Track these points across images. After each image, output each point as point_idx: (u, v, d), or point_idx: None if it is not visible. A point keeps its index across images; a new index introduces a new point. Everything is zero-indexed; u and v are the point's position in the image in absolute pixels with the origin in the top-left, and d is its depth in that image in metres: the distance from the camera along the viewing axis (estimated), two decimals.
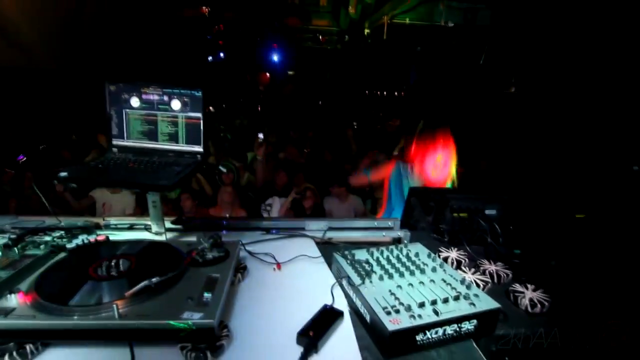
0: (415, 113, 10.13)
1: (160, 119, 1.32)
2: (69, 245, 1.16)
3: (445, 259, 1.47)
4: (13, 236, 1.33)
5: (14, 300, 0.87)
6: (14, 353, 0.84)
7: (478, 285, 1.28)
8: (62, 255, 1.09)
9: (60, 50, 5.19)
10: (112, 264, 1.02)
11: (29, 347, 0.85)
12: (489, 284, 1.32)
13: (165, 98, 1.31)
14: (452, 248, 1.55)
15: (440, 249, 1.54)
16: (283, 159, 5.28)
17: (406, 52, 8.58)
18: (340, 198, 4.13)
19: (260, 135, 4.26)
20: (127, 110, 1.32)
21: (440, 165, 2.48)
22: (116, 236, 1.42)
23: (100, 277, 0.97)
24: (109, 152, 1.35)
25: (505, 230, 1.69)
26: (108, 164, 1.24)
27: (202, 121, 1.31)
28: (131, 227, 1.59)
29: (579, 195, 1.79)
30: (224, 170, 4.11)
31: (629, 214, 1.67)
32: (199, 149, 1.33)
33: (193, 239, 1.22)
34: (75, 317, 0.84)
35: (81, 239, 1.20)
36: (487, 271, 1.39)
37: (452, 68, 8.04)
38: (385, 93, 12.35)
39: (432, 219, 1.80)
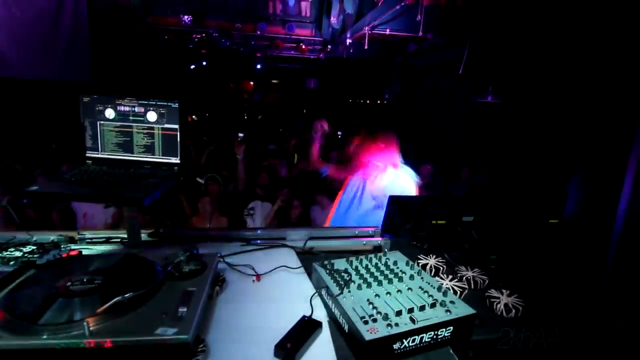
0: (396, 122, 10.33)
1: (136, 130, 1.31)
2: (39, 261, 1.12)
3: (424, 267, 1.49)
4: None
5: None
6: None
7: (455, 292, 1.30)
8: (32, 271, 1.05)
9: (37, 61, 5.10)
10: (84, 279, 1.00)
11: None
12: (466, 290, 1.35)
13: (141, 109, 1.29)
14: (431, 255, 1.57)
15: (419, 256, 1.57)
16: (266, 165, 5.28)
17: (387, 62, 8.76)
18: (322, 206, 4.13)
19: (241, 134, 4.21)
20: (102, 122, 1.30)
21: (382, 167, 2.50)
22: (91, 250, 1.39)
23: (71, 294, 0.95)
24: (84, 164, 1.32)
25: (482, 236, 1.73)
26: (82, 177, 1.21)
27: (178, 132, 1.30)
28: (107, 241, 1.55)
29: (554, 200, 1.85)
30: (209, 182, 4.05)
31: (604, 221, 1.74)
32: (175, 160, 1.32)
33: (170, 251, 1.20)
34: (44, 337, 0.82)
35: (52, 254, 1.17)
36: (464, 277, 1.42)
37: (433, 77, 8.26)
38: (368, 102, 12.54)
39: (412, 227, 1.83)
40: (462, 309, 1.08)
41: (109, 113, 1.30)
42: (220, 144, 6.69)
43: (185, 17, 7.85)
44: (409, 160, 2.67)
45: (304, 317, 1.09)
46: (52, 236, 1.51)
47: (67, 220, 3.29)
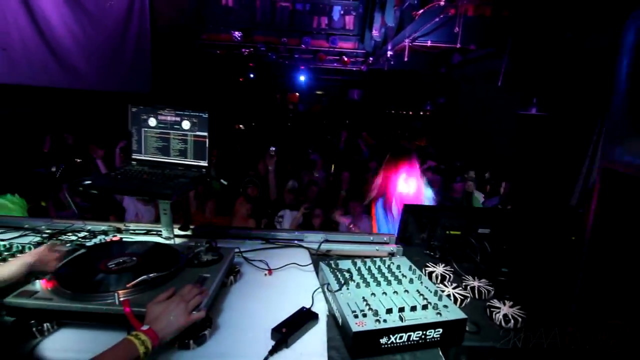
0: (441, 133, 10.11)
1: (173, 136, 1.51)
2: (88, 244, 1.35)
3: (430, 274, 1.53)
4: (46, 235, 1.56)
5: (38, 285, 1.04)
6: (34, 330, 1.01)
7: (456, 299, 1.34)
8: (82, 251, 1.27)
9: (106, 75, 5.78)
10: (121, 260, 1.19)
11: (46, 326, 1.02)
12: (468, 299, 1.37)
13: (177, 119, 1.50)
14: (440, 264, 1.61)
15: (427, 264, 1.61)
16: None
17: (430, 74, 8.66)
18: (354, 215, 4.20)
19: (273, 148, 4.43)
20: (145, 128, 1.53)
21: (409, 191, 2.47)
22: (132, 239, 1.61)
23: (109, 270, 1.14)
24: (129, 164, 1.55)
25: (497, 249, 1.72)
26: (126, 175, 1.43)
27: (207, 139, 1.49)
28: (147, 232, 1.78)
29: (577, 216, 1.79)
30: (248, 185, 4.31)
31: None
32: (204, 163, 1.51)
33: (195, 243, 1.37)
34: (84, 302, 1.01)
35: (99, 239, 1.39)
36: (468, 287, 1.44)
37: (477, 88, 8.02)
38: (410, 113, 12.40)
39: (426, 236, 1.86)
40: (454, 314, 1.13)
41: (152, 121, 1.52)
42: (251, 152, 6.99)
43: (236, 33, 8.40)
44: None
45: (302, 308, 1.19)
46: (103, 226, 1.77)
47: (120, 216, 3.68)
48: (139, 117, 1.52)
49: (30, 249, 1.35)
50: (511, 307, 1.29)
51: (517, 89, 5.25)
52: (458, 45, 4.66)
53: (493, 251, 1.68)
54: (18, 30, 4.72)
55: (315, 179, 5.15)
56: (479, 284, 1.45)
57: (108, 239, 1.40)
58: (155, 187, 1.33)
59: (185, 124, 1.50)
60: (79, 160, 4.94)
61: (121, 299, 1.01)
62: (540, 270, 1.58)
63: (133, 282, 1.05)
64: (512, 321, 1.24)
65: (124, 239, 1.44)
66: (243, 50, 8.84)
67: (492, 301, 1.33)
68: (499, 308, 1.29)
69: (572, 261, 1.65)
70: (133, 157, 1.55)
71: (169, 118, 1.51)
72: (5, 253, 1.32)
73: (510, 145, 6.33)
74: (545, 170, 4.55)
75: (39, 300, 1.00)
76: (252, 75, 10.96)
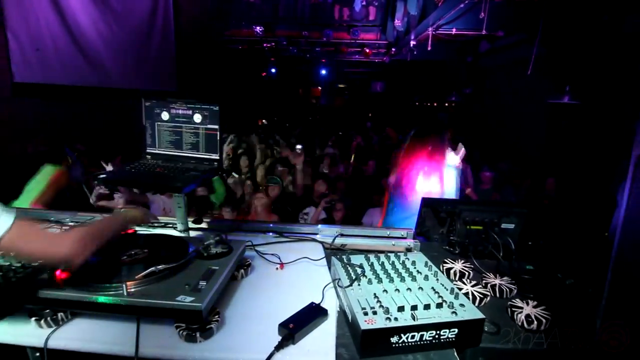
0: (467, 123, 9.77)
1: (185, 130, 1.52)
2: None
3: (448, 270, 1.46)
4: (66, 227, 1.61)
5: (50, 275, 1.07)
6: (49, 318, 1.04)
7: (474, 298, 1.27)
8: None
9: (132, 73, 5.95)
10: (133, 252, 1.21)
11: (60, 315, 1.05)
12: (488, 297, 1.30)
13: (189, 112, 1.50)
14: (459, 260, 1.53)
15: (445, 260, 1.54)
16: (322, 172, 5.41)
17: (456, 63, 8.37)
18: (378, 209, 4.12)
19: (299, 146, 4.43)
20: (158, 122, 1.54)
21: (428, 181, 2.34)
22: (149, 231, 1.64)
23: (120, 262, 1.16)
24: (143, 158, 1.57)
25: (522, 245, 1.63)
26: (140, 168, 1.45)
27: (218, 132, 1.48)
28: (164, 225, 1.81)
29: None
30: (270, 183, 4.31)
31: None
32: (215, 156, 1.50)
33: (206, 236, 1.37)
34: (94, 293, 1.02)
35: None
36: (489, 285, 1.36)
37: (506, 77, 7.68)
38: (435, 104, 12.07)
39: (445, 231, 1.79)
40: (470, 313, 1.06)
41: (165, 115, 1.53)
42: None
43: (258, 28, 8.43)
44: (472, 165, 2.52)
45: (312, 303, 1.16)
46: None
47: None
48: (153, 111, 1.54)
49: None
50: (535, 307, 1.21)
51: (549, 76, 4.96)
52: (484, 32, 4.44)
53: (517, 247, 1.59)
54: (50, 31, 4.93)
55: (339, 174, 5.10)
56: (501, 282, 1.37)
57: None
58: (167, 180, 1.34)
59: (197, 117, 1.50)
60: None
61: (130, 290, 1.02)
62: (568, 269, 1.48)
63: (142, 274, 1.06)
64: (536, 322, 1.16)
65: (138, 232, 1.45)
66: (265, 45, 8.87)
67: (514, 300, 1.25)
68: (522, 308, 1.21)
69: (603, 259, 1.54)
70: (147, 150, 1.57)
71: (180, 111, 1.52)
72: None
73: (540, 136, 6.02)
74: (580, 161, 4.29)
75: (54, 290, 1.02)
76: (273, 70, 10.99)
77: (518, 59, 6.83)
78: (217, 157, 1.49)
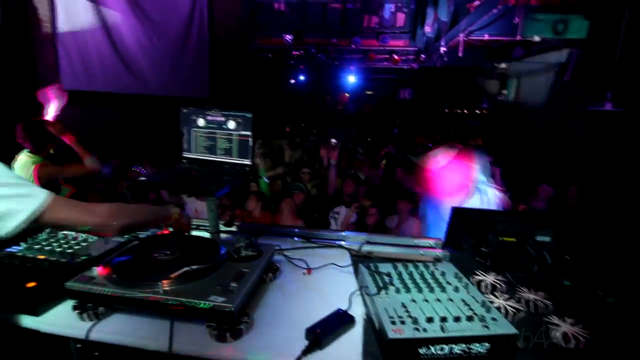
0: (498, 131, 9.46)
1: (219, 136, 1.58)
2: (141, 235, 1.45)
3: (480, 283, 1.42)
4: None
5: (95, 271, 1.14)
6: (91, 312, 1.10)
7: (507, 312, 1.22)
8: (135, 242, 1.37)
9: (168, 81, 6.24)
10: (167, 252, 1.26)
11: (100, 310, 1.11)
12: (522, 313, 1.25)
13: (223, 119, 1.56)
14: (491, 273, 1.49)
15: (476, 272, 1.50)
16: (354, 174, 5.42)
17: (488, 69, 8.15)
18: (402, 216, 4.06)
19: (334, 140, 4.34)
20: (194, 128, 1.61)
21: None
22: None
23: (156, 261, 1.21)
24: (180, 162, 1.64)
25: (558, 259, 1.56)
26: (176, 173, 1.52)
27: (250, 138, 1.53)
28: (197, 227, 1.88)
29: None
30: (295, 190, 4.35)
31: None
32: (247, 162, 1.55)
33: (237, 239, 1.41)
34: (132, 290, 1.08)
35: (151, 232, 1.49)
36: (523, 299, 1.31)
37: (542, 84, 7.38)
38: (466, 111, 11.77)
39: (476, 242, 1.74)
40: (503, 328, 1.03)
41: (200, 122, 1.60)
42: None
43: (287, 36, 8.61)
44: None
45: (339, 309, 1.17)
46: None
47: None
48: (189, 117, 1.61)
49: (84, 239, 1.46)
50: (573, 325, 1.15)
51: (588, 83, 4.73)
52: (518, 38, 4.31)
53: (553, 261, 1.52)
54: (95, 41, 5.27)
55: (369, 179, 5.09)
56: (536, 297, 1.31)
57: (159, 231, 1.50)
58: (202, 183, 1.39)
59: (231, 124, 1.55)
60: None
61: (165, 289, 1.07)
62: (610, 287, 1.40)
63: (176, 273, 1.10)
64: (574, 341, 1.10)
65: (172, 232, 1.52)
66: (294, 52, 9.03)
67: (550, 317, 1.20)
68: (558, 325, 1.15)
69: None
70: (183, 155, 1.64)
71: (216, 118, 1.58)
72: (65, 245, 1.43)
73: (579, 145, 5.73)
74: (621, 172, 4.04)
75: (95, 285, 1.09)
76: (302, 77, 11.15)
77: (554, 64, 6.57)
78: (249, 163, 1.54)
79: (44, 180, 2.69)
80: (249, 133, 1.53)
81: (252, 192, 4.02)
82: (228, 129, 1.56)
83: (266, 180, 2.89)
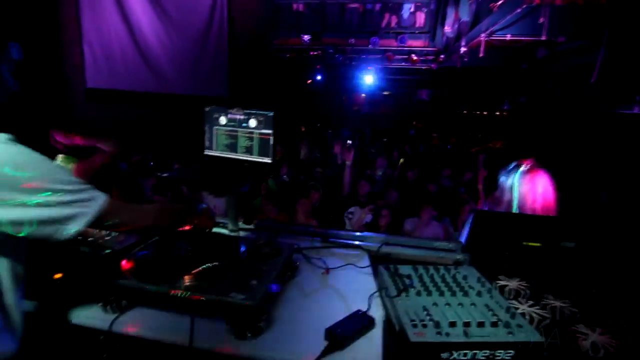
0: (520, 135, 9.24)
1: (240, 134, 1.59)
2: None
3: (502, 288, 1.38)
4: None
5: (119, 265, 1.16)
6: (114, 304, 1.12)
7: (532, 319, 1.19)
8: (156, 237, 1.39)
9: (188, 80, 6.34)
10: (188, 248, 1.27)
11: (123, 302, 1.13)
12: (547, 320, 1.21)
13: (245, 117, 1.57)
14: (515, 278, 1.44)
15: (499, 277, 1.46)
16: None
17: (509, 70, 7.97)
18: (422, 220, 4.01)
19: (350, 142, 4.34)
20: (216, 127, 1.62)
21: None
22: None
23: (178, 257, 1.23)
24: (201, 160, 1.66)
25: (584, 266, 1.50)
26: (197, 170, 1.54)
27: (271, 137, 1.53)
28: (215, 224, 1.89)
29: None
30: (311, 189, 4.35)
31: None
32: (268, 160, 1.55)
33: (256, 237, 1.42)
34: (153, 284, 1.09)
35: None
36: (548, 306, 1.27)
37: (565, 85, 7.17)
38: (485, 113, 11.53)
39: (498, 246, 1.70)
40: (528, 335, 1.00)
41: (222, 120, 1.61)
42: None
43: (305, 36, 8.62)
44: None
45: (358, 310, 1.16)
46: None
47: None
48: (212, 115, 1.62)
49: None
50: (602, 334, 1.11)
51: (615, 85, 4.56)
52: (543, 38, 4.20)
53: (579, 268, 1.47)
54: (118, 40, 5.40)
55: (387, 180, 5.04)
56: (561, 305, 1.27)
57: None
58: (223, 181, 1.40)
59: (252, 122, 1.56)
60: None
61: (186, 284, 1.08)
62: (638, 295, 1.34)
63: (197, 269, 1.12)
64: (603, 351, 1.06)
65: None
66: (311, 53, 9.03)
67: (577, 326, 1.16)
68: (587, 334, 1.11)
69: None
70: (205, 152, 1.65)
71: (237, 117, 1.59)
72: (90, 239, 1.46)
73: (606, 148, 5.54)
74: None
75: (119, 278, 1.11)
76: (319, 78, 11.15)
77: (579, 65, 6.37)
78: (270, 161, 1.54)
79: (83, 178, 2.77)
80: (270, 131, 1.53)
81: (263, 195, 4.02)
82: (249, 127, 1.57)
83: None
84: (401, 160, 6.25)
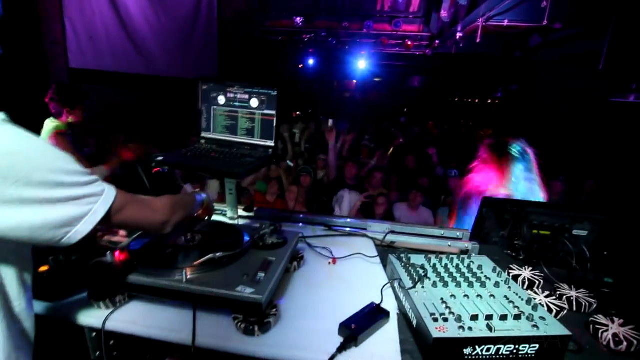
0: (512, 123, 9.27)
1: (241, 115, 1.48)
2: None
3: (516, 278, 1.34)
4: None
5: (110, 257, 1.05)
6: (108, 300, 1.03)
7: (550, 310, 1.14)
8: None
9: (177, 62, 6.09)
10: (189, 236, 1.18)
11: (118, 297, 1.04)
12: (565, 311, 1.17)
13: (246, 96, 1.46)
14: (527, 267, 1.40)
15: (511, 266, 1.41)
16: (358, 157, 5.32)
17: (503, 57, 7.92)
18: (411, 206, 3.97)
19: (331, 121, 4.13)
20: (214, 107, 1.51)
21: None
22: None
23: (178, 247, 1.13)
24: (198, 142, 1.55)
25: (596, 255, 1.47)
26: (195, 153, 1.43)
27: (275, 118, 1.43)
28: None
29: None
30: (302, 173, 4.26)
31: None
32: (270, 143, 1.45)
33: (259, 225, 1.33)
34: (152, 277, 1.00)
35: None
36: (565, 297, 1.23)
37: (558, 74, 7.17)
38: (476, 101, 11.53)
39: (507, 234, 1.65)
40: (554, 328, 0.95)
41: (221, 99, 1.50)
42: None
43: (298, 19, 8.36)
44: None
45: (372, 303, 1.09)
46: None
47: None
48: (209, 95, 1.51)
49: None
50: (622, 325, 1.07)
51: (609, 73, 4.55)
52: (545, 23, 4.12)
53: (592, 257, 1.43)
54: (102, 19, 5.11)
55: (376, 166, 4.97)
56: (578, 295, 1.23)
57: None
58: (224, 165, 1.30)
59: (254, 102, 1.45)
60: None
61: (188, 277, 0.99)
62: None
63: (200, 260, 1.03)
64: (625, 343, 1.02)
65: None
66: (304, 36, 8.79)
67: (596, 317, 1.12)
68: (607, 326, 1.07)
69: None
70: (202, 135, 1.54)
71: (238, 95, 1.48)
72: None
73: (598, 137, 5.57)
74: None
75: (112, 271, 1.01)
76: (311, 62, 10.92)
77: (573, 54, 6.35)
78: (272, 144, 1.44)
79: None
80: (273, 112, 1.43)
81: (273, 178, 3.90)
82: (250, 107, 1.46)
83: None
84: (391, 148, 6.19)
